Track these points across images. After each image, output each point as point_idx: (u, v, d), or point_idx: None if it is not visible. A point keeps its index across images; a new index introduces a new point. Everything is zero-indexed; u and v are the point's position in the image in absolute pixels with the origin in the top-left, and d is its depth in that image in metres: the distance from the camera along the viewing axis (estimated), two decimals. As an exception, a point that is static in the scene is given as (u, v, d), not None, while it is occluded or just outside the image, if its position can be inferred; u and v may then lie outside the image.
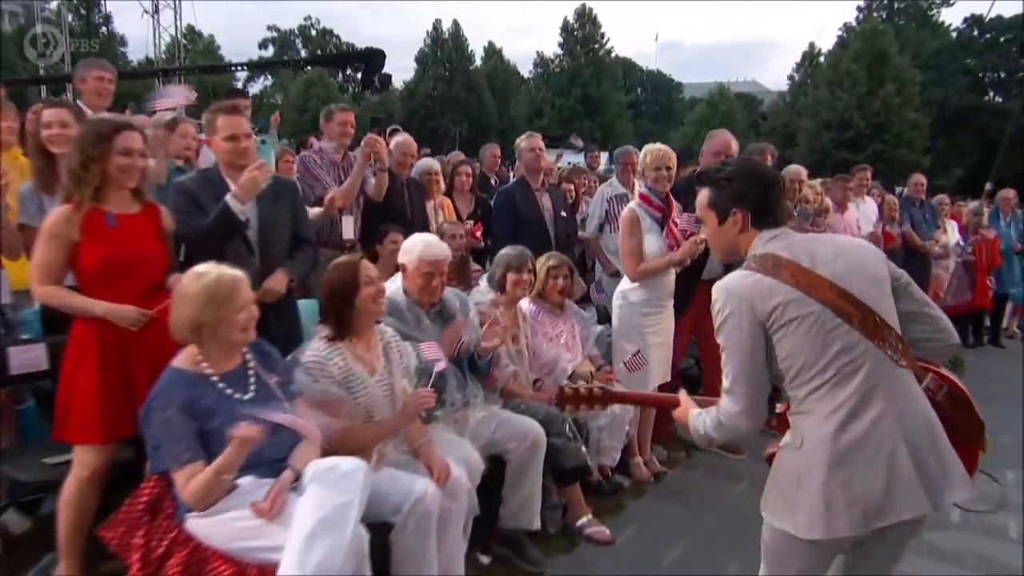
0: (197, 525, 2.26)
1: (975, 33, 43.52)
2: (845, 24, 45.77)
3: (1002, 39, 42.44)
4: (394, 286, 3.25)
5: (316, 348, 2.81)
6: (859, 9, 46.49)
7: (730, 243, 2.11)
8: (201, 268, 2.40)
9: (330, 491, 2.23)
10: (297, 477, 2.36)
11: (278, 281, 3.12)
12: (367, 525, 2.38)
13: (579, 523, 3.59)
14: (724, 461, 4.60)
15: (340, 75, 43.70)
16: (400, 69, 47.20)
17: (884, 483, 1.79)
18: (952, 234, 8.46)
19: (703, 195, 2.13)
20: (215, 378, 2.41)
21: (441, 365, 3.05)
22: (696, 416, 2.10)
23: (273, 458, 2.43)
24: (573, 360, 3.97)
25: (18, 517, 3.29)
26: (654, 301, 4.11)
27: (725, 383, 1.97)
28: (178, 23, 17.72)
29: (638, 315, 4.11)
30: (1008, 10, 39.79)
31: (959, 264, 8.43)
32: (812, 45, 47.05)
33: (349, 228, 4.37)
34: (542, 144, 5.06)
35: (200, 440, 2.29)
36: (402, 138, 5.03)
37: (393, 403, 2.88)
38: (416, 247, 3.25)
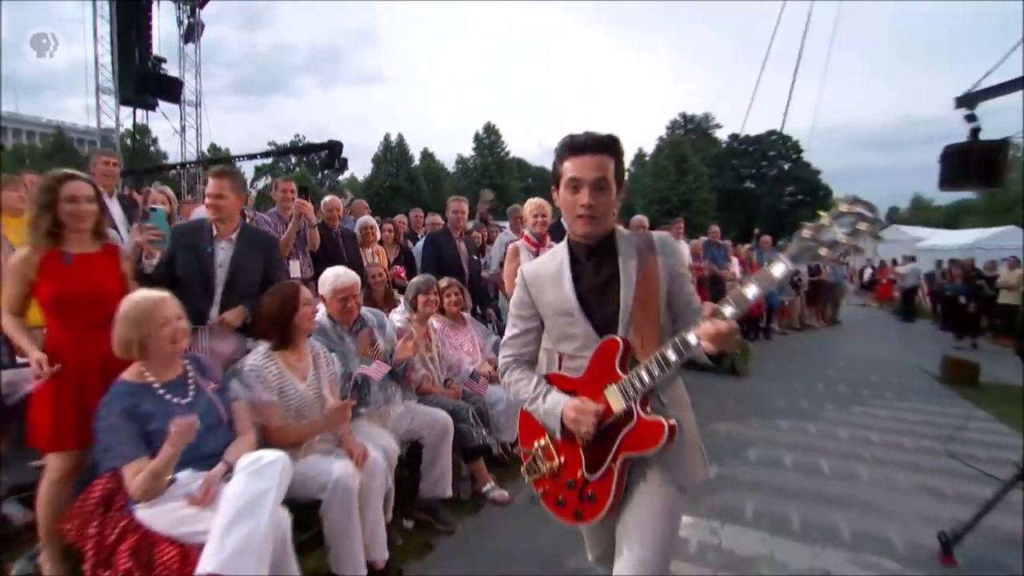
0: (145, 514, 1.86)
1: (735, 144, 46.52)
2: (659, 136, 48.42)
3: (751, 148, 45.52)
4: (320, 313, 2.80)
5: (254, 359, 2.33)
6: (667, 128, 49.54)
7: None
8: (132, 295, 2.01)
9: (251, 480, 1.82)
10: (229, 469, 1.93)
11: (235, 316, 2.65)
12: (300, 504, 2.06)
13: (484, 489, 3.21)
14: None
15: (319, 174, 42.92)
16: (361, 168, 46.93)
17: None
18: (735, 265, 8.72)
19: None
20: (156, 386, 1.99)
21: (375, 375, 2.73)
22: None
23: (210, 453, 2.00)
24: (475, 363, 3.62)
25: (20, 509, 2.76)
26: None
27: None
28: (199, 140, 17.01)
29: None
30: (753, 130, 42.92)
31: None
32: (640, 149, 49.30)
33: (296, 269, 3.93)
34: (465, 208, 4.83)
35: (144, 440, 1.90)
36: (328, 198, 4.64)
37: (321, 405, 2.41)
38: (328, 280, 2.83)
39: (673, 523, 1.47)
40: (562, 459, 1.54)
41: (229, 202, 2.76)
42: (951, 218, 44.21)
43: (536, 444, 1.62)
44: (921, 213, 49.14)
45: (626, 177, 1.54)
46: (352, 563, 2.21)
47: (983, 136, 6.49)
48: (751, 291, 1.21)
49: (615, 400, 1.41)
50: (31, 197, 2.24)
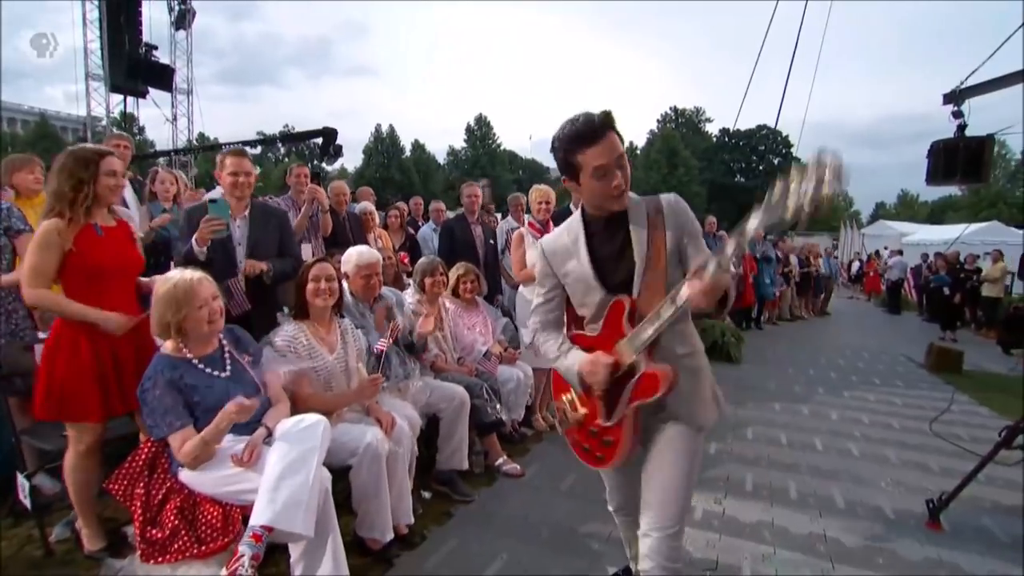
0: (189, 476, 1.98)
1: (726, 139, 46.90)
2: (650, 130, 48.60)
3: (741, 143, 45.98)
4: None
5: (285, 331, 2.44)
6: (658, 121, 49.70)
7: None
8: (168, 275, 2.08)
9: (295, 441, 1.93)
10: (269, 433, 2.03)
11: (258, 264, 2.80)
12: (329, 469, 2.10)
13: (497, 463, 3.35)
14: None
15: (310, 164, 42.52)
16: (352, 160, 46.56)
17: None
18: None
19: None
20: (195, 360, 2.07)
21: (381, 347, 2.77)
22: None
23: (249, 420, 2.06)
24: (486, 343, 3.73)
25: (49, 480, 2.76)
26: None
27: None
28: (190, 128, 16.85)
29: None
30: (746, 124, 43.34)
31: (735, 275, 8.82)
32: (632, 143, 49.33)
33: (308, 253, 4.00)
34: (479, 192, 4.90)
35: (188, 409, 2.00)
36: (335, 183, 4.71)
37: (348, 376, 2.53)
38: (352, 257, 2.94)
39: (693, 461, 1.61)
40: (585, 410, 1.70)
41: (252, 179, 2.87)
42: (936, 214, 45.04)
43: (564, 398, 1.78)
44: (907, 209, 49.85)
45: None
46: (381, 527, 2.34)
47: (969, 133, 6.74)
48: (729, 247, 1.29)
49: (625, 353, 1.54)
50: (60, 171, 2.25)
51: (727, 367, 6.53)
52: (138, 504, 1.95)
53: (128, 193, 3.82)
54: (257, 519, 1.77)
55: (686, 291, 1.37)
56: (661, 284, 1.54)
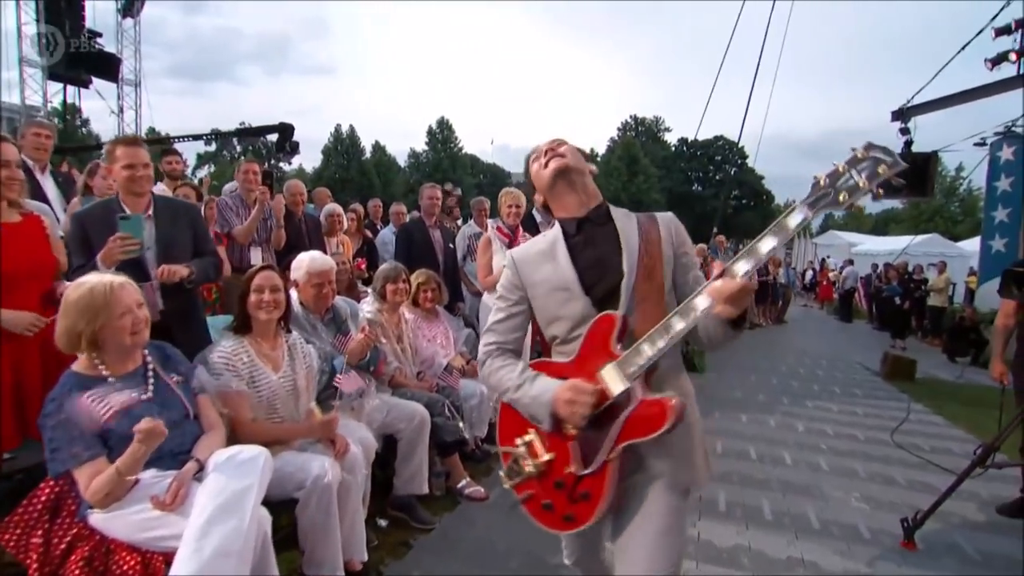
0: (100, 519, 1.68)
1: (684, 148, 47.97)
2: (611, 137, 49.25)
3: (699, 152, 47.10)
4: (292, 299, 2.63)
5: (223, 346, 2.15)
6: (618, 129, 50.50)
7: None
8: (82, 279, 1.75)
9: (230, 477, 1.66)
10: (201, 467, 1.75)
11: (178, 269, 2.35)
12: (273, 504, 1.86)
13: (459, 485, 3.11)
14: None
15: (268, 163, 41.31)
16: (310, 159, 45.21)
17: None
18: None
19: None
20: (112, 379, 1.76)
21: (348, 387, 2.56)
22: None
23: (176, 451, 1.81)
24: (448, 355, 3.50)
25: None
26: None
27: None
28: (138, 121, 15.95)
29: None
30: (704, 135, 44.27)
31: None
32: (592, 149, 49.86)
33: (257, 257, 3.72)
34: (439, 194, 4.66)
35: (100, 438, 1.68)
36: (291, 182, 4.44)
37: (296, 396, 2.26)
38: (303, 263, 2.66)
39: (682, 536, 1.35)
40: (551, 455, 1.36)
41: (151, 171, 2.41)
42: (880, 225, 47.27)
43: (519, 441, 1.41)
44: (853, 220, 52.17)
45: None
46: (330, 564, 2.09)
47: (915, 149, 6.97)
48: (766, 243, 1.12)
49: (612, 381, 1.26)
50: None
51: (692, 376, 6.44)
52: (34, 556, 1.66)
53: (49, 187, 3.43)
54: (179, 570, 1.50)
55: (706, 298, 1.15)
56: (658, 300, 1.32)
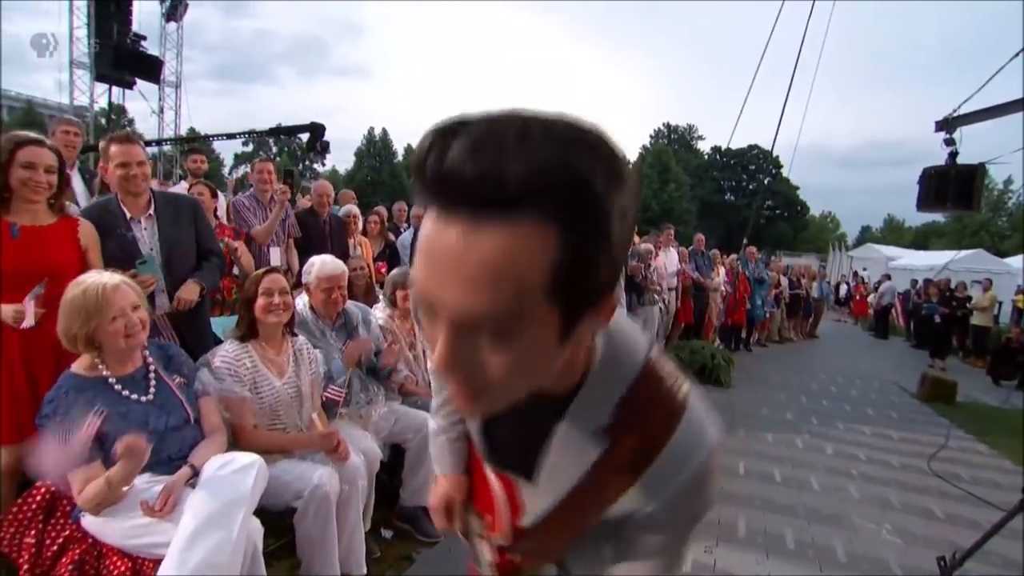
0: (93, 523, 1.66)
1: (717, 157, 47.14)
2: (643, 145, 48.70)
3: (732, 161, 46.18)
4: (301, 304, 2.58)
5: (226, 350, 2.11)
6: (650, 136, 49.96)
7: None
8: (81, 278, 1.74)
9: (221, 487, 1.61)
10: (196, 473, 1.71)
11: (189, 291, 2.38)
12: (269, 514, 1.84)
13: (467, 497, 3.00)
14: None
15: (301, 163, 42.24)
16: (343, 161, 46.15)
17: None
18: (721, 275, 8.57)
19: None
20: (112, 380, 1.74)
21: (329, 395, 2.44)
22: None
23: (174, 456, 1.78)
24: (462, 363, 3.41)
25: None
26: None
27: None
28: (177, 122, 16.50)
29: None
30: (736, 144, 43.37)
31: (729, 294, 8.71)
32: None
33: (276, 258, 3.69)
34: None
35: (97, 442, 1.64)
36: (319, 182, 4.41)
37: (300, 404, 2.21)
38: (314, 267, 2.60)
39: None
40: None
41: (146, 170, 2.37)
42: (920, 239, 45.55)
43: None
44: (893, 233, 50.42)
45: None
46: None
47: (960, 160, 6.64)
48: None
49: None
50: None
51: (717, 391, 6.26)
52: (27, 556, 1.64)
53: (77, 184, 3.48)
54: (163, 583, 1.45)
55: None
56: (567, 536, 0.78)
